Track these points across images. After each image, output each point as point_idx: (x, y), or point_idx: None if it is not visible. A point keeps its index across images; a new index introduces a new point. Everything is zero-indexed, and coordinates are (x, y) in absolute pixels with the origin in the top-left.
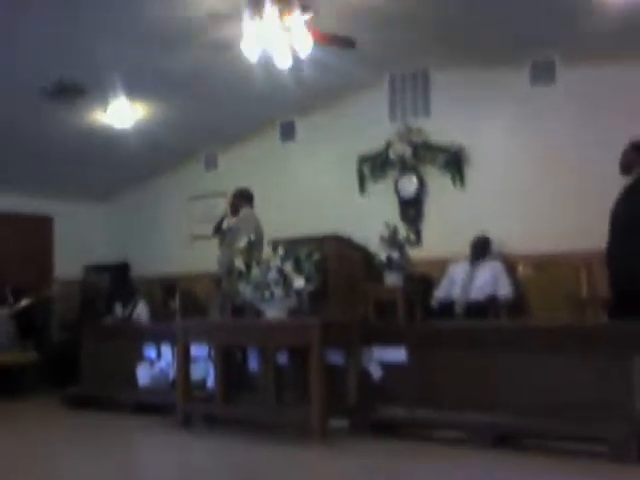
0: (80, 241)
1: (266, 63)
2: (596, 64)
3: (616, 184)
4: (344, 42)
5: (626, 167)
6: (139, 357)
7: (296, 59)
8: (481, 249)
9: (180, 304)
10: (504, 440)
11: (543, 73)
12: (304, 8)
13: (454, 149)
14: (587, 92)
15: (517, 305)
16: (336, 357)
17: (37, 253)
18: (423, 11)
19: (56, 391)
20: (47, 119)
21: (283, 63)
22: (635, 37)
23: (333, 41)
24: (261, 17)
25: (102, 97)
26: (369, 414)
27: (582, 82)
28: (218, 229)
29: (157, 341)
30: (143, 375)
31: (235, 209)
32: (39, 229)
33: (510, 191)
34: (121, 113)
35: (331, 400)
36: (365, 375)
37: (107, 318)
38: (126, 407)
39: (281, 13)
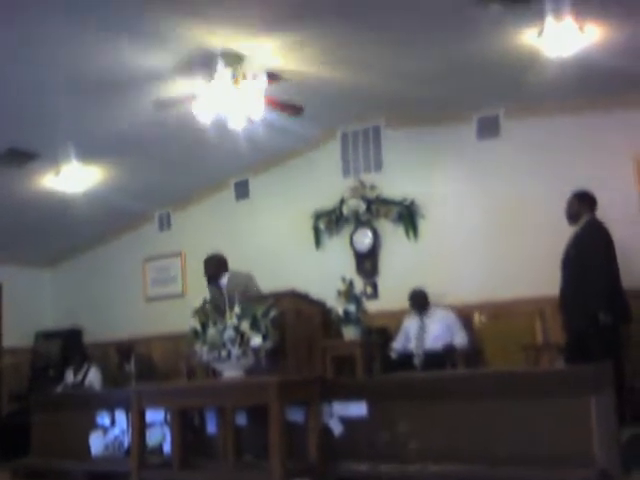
0: (30, 307)
1: (219, 124)
2: (539, 117)
3: (564, 232)
4: (293, 109)
5: (573, 216)
6: (92, 425)
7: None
8: (420, 301)
9: (136, 368)
10: None
11: (488, 127)
12: (256, 73)
13: (407, 202)
14: (531, 144)
15: (474, 354)
16: (296, 415)
17: None
18: (372, 73)
19: (6, 463)
20: None
21: (236, 125)
22: (576, 90)
23: (282, 107)
24: (213, 79)
25: (53, 161)
26: (331, 471)
27: (526, 134)
28: None
29: (111, 408)
30: (96, 444)
31: (214, 279)
32: None
33: (463, 242)
34: (73, 177)
35: (292, 458)
36: (326, 432)
37: (58, 386)
38: (79, 478)
39: (233, 76)
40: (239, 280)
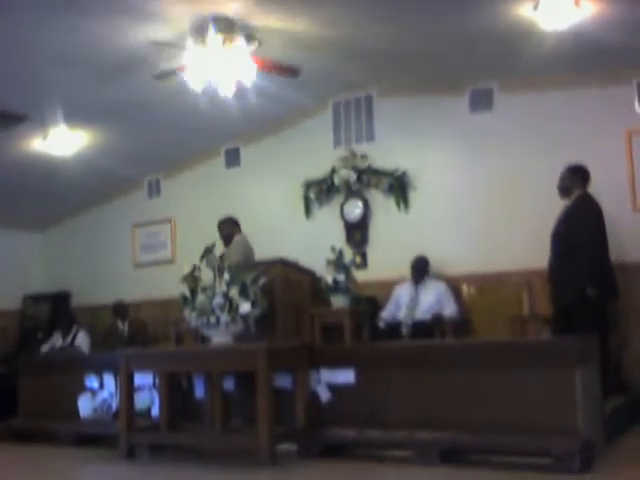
0: (19, 271)
1: (210, 91)
2: (532, 91)
3: (555, 206)
4: (288, 71)
5: (565, 190)
6: (80, 388)
7: (241, 87)
8: (421, 269)
9: (129, 331)
10: (451, 456)
11: (482, 100)
12: (248, 38)
13: (398, 173)
14: (524, 117)
15: (462, 324)
16: (284, 381)
17: None
18: (366, 42)
19: None
20: None
21: (227, 91)
22: (569, 65)
23: (277, 69)
24: (205, 45)
25: (42, 125)
26: (318, 437)
27: (519, 108)
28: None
29: (99, 371)
30: (84, 406)
31: (228, 239)
32: None
33: (453, 213)
34: (61, 141)
35: (279, 424)
36: (313, 398)
37: (45, 348)
38: (68, 439)
39: (225, 41)
40: (236, 247)
